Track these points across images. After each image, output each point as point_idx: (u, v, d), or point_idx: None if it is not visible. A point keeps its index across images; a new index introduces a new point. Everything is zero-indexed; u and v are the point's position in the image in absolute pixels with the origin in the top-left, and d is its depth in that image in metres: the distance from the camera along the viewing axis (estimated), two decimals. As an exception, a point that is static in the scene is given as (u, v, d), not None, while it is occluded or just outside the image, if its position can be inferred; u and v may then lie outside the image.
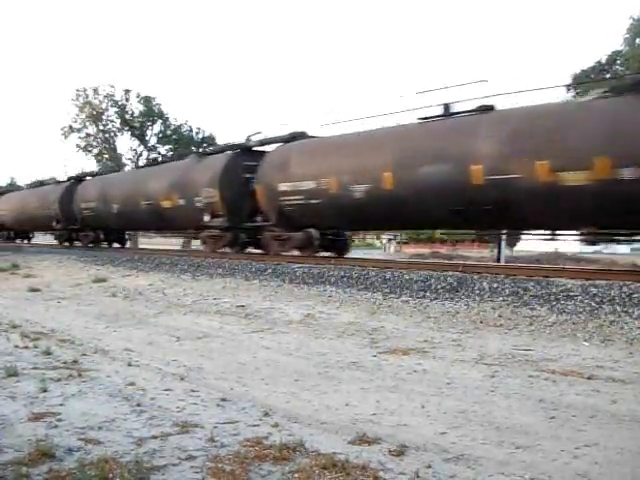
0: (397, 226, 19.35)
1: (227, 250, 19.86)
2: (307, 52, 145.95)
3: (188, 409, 4.77)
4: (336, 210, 15.69)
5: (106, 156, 50.61)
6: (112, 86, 50.27)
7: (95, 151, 51.28)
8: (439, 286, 10.78)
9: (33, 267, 18.98)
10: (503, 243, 27.42)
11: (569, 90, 30.64)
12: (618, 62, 36.63)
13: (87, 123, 50.60)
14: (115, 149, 51.31)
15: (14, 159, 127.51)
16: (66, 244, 31.21)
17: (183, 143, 48.65)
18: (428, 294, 10.40)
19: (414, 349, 7.00)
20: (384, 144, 14.71)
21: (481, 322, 8.45)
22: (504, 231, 18.93)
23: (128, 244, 33.25)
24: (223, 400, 5.03)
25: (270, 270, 14.21)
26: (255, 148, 19.43)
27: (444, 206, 13.01)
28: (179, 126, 50.80)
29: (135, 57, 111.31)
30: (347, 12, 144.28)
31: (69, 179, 31.56)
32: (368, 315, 9.30)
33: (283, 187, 16.78)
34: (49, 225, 31.03)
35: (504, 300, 9.41)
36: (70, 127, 50.32)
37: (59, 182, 32.24)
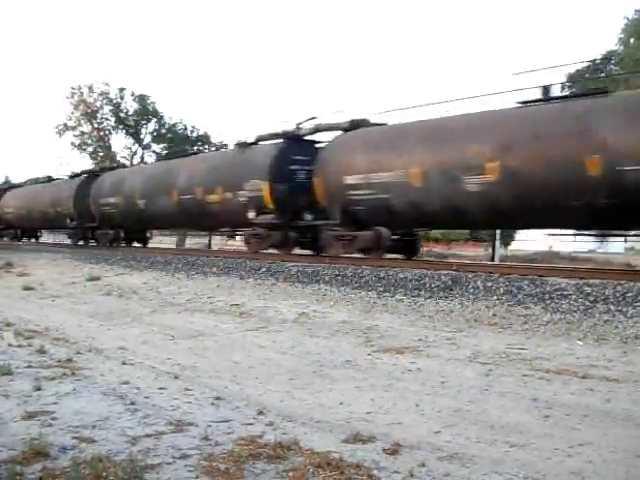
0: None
1: None
2: (302, 49, 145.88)
3: (182, 408, 4.76)
4: None
5: (101, 154, 50.47)
6: (107, 84, 50.13)
7: (90, 149, 51.14)
8: (433, 285, 10.79)
9: (27, 265, 18.93)
10: (497, 242, 27.40)
11: (563, 89, 30.69)
12: (612, 62, 36.72)
13: (82, 121, 50.45)
14: (110, 147, 51.19)
15: (8, 157, 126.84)
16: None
17: (178, 142, 48.56)
18: (422, 293, 10.41)
19: (408, 348, 7.00)
20: None
21: (475, 321, 8.46)
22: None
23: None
24: (217, 399, 5.02)
25: (264, 269, 14.20)
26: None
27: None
28: (174, 125, 50.70)
29: (130, 55, 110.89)
30: (343, 10, 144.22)
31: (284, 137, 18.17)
32: (362, 314, 9.30)
33: None
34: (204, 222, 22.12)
35: (498, 299, 9.42)
36: (65, 125, 50.16)
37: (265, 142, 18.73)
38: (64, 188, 29.58)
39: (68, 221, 28.18)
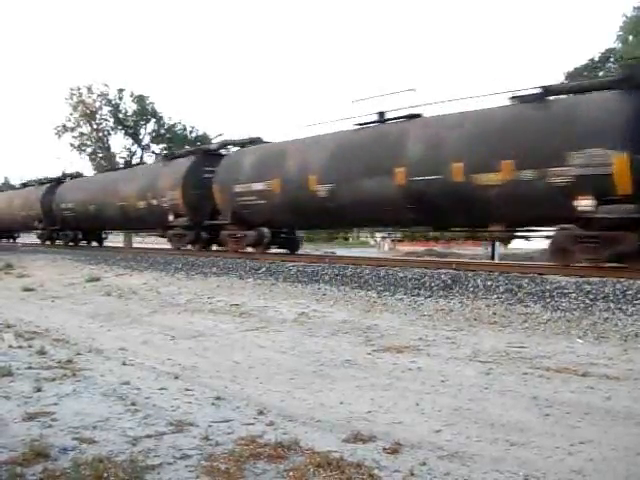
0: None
1: None
2: (301, 49, 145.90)
3: (183, 408, 4.77)
4: None
5: (100, 155, 50.45)
6: (106, 85, 50.08)
7: (89, 150, 51.09)
8: (433, 284, 10.78)
9: (27, 266, 18.93)
10: (497, 240, 27.26)
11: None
12: (611, 60, 36.74)
13: (81, 122, 50.39)
14: (109, 148, 51.12)
15: (7, 158, 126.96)
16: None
17: (177, 142, 48.53)
18: (422, 292, 10.40)
19: (408, 347, 7.01)
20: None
21: (475, 320, 8.46)
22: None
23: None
24: (218, 399, 5.02)
25: (264, 269, 14.19)
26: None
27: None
28: (173, 125, 50.68)
29: (129, 55, 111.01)
30: (346, 10, 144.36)
31: None
32: (362, 313, 9.30)
33: None
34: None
35: (498, 297, 9.42)
36: (64, 126, 50.09)
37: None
38: (164, 173, 21.52)
39: (171, 218, 20.61)
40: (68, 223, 28.59)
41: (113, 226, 28.29)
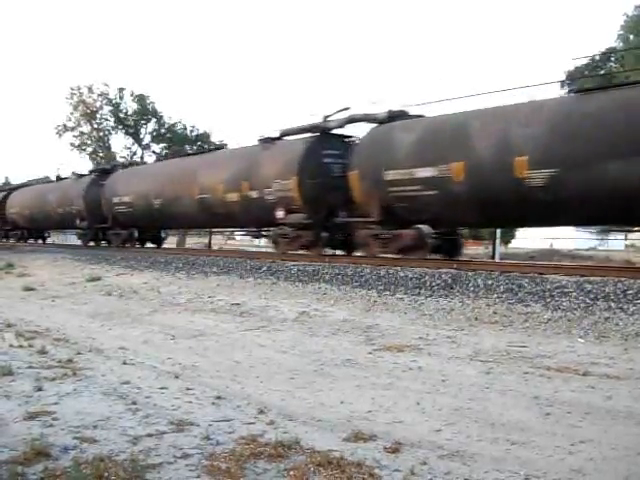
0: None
1: None
2: (303, 48, 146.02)
3: (183, 407, 4.77)
4: None
5: (100, 154, 50.47)
6: (106, 84, 50.15)
7: (89, 150, 51.13)
8: (434, 283, 10.77)
9: (28, 266, 18.92)
10: (498, 240, 27.26)
11: (563, 86, 30.76)
12: (612, 59, 36.75)
13: (81, 122, 50.45)
14: (109, 148, 51.19)
15: (8, 158, 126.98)
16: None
17: (177, 141, 48.56)
18: (423, 291, 10.39)
19: (409, 346, 7.00)
20: None
21: (476, 319, 8.46)
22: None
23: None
24: (218, 398, 5.03)
25: (265, 268, 14.19)
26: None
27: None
28: (173, 124, 50.73)
29: (130, 55, 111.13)
30: (338, 9, 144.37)
31: None
32: (363, 312, 9.30)
33: None
34: None
35: (499, 297, 9.41)
36: (64, 126, 50.13)
37: None
38: (267, 157, 16.78)
39: (280, 214, 15.98)
40: (121, 221, 23.63)
41: (188, 224, 23.44)
